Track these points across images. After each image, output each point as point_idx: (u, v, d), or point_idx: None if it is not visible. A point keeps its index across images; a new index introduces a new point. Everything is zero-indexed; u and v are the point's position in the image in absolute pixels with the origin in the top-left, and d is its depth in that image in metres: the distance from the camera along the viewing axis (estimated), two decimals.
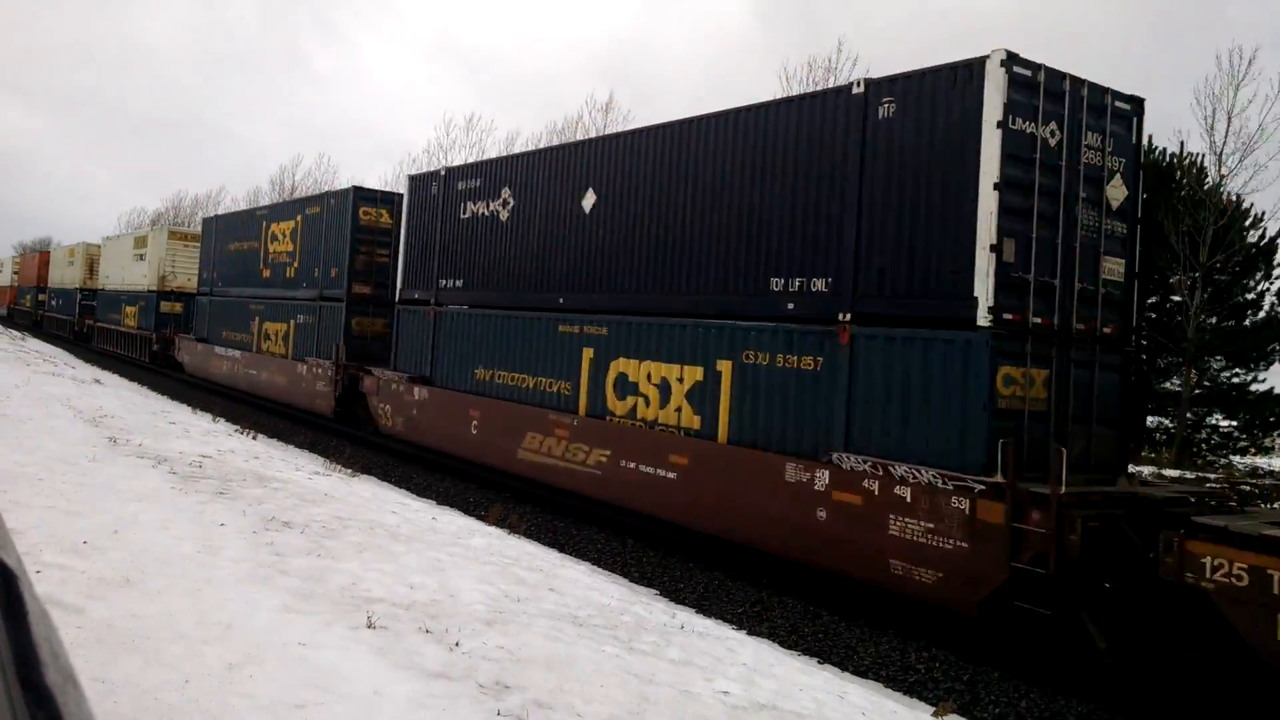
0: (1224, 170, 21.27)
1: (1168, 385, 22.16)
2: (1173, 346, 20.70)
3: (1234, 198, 21.05)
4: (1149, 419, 22.20)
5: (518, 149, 39.95)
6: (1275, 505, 12.23)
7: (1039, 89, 8.77)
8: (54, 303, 51.26)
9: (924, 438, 8.81)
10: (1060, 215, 8.91)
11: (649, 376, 12.13)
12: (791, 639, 8.54)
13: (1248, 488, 14.73)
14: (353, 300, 19.50)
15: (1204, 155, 21.59)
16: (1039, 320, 8.77)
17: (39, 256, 58.58)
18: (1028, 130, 8.65)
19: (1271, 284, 21.88)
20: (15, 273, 66.82)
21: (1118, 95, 9.44)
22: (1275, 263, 21.87)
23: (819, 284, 10.00)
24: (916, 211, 9.11)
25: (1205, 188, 20.88)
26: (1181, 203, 20.31)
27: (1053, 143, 8.84)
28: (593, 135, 40.53)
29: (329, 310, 20.23)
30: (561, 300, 13.90)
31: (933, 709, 6.92)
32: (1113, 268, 9.46)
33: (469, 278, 16.32)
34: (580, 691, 4.68)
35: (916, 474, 8.64)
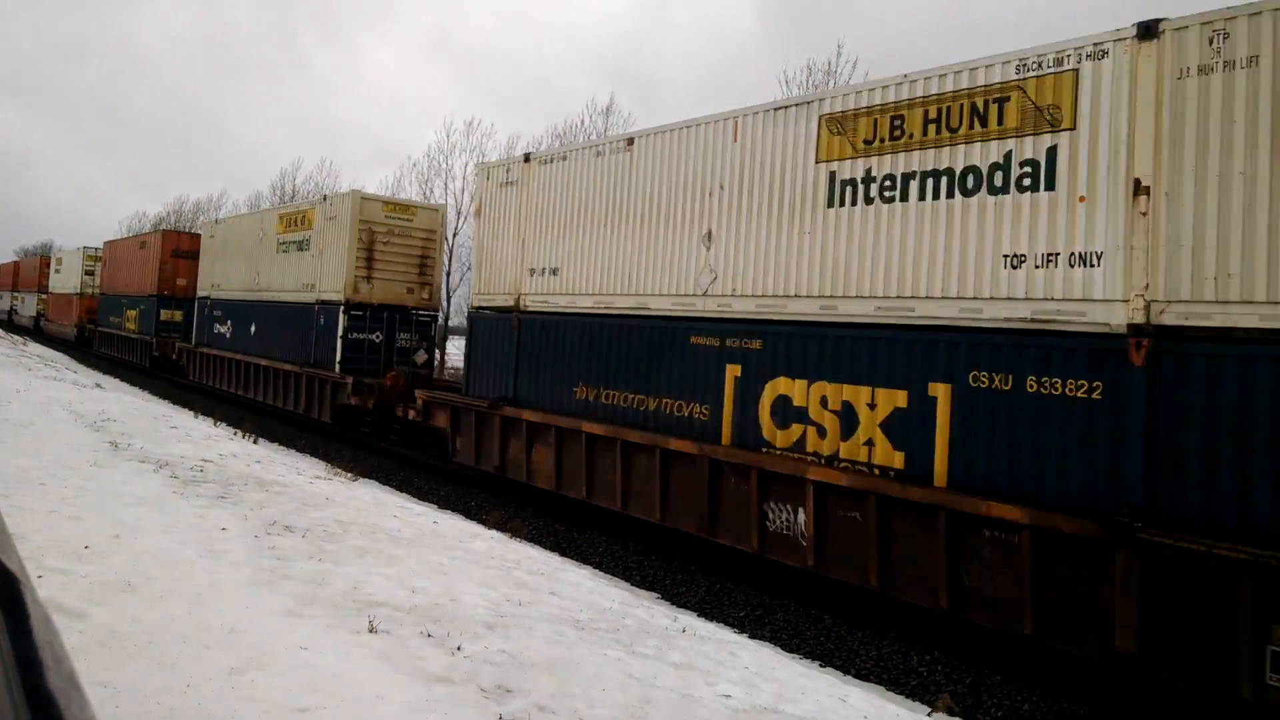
0: None
1: None
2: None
3: None
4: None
5: (519, 153, 39.95)
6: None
7: None
8: (223, 327, 25.55)
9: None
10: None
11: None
12: (793, 642, 8.54)
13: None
14: None
15: None
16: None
17: (161, 239, 30.50)
18: None
19: None
20: (89, 273, 40.27)
21: None
22: None
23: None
24: None
25: None
26: None
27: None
28: (594, 139, 40.56)
29: None
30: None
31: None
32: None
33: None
34: (582, 695, 4.68)
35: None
